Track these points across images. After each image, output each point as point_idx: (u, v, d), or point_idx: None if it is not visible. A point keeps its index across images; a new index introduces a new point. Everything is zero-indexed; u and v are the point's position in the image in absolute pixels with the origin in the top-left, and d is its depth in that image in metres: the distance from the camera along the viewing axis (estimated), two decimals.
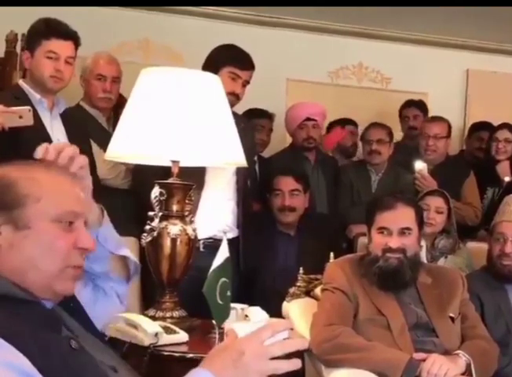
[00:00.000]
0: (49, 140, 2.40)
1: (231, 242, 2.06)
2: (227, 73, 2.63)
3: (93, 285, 1.46)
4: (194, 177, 2.17)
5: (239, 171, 2.68)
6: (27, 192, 1.12)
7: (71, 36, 2.42)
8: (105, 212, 1.44)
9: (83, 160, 1.34)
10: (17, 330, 1.01)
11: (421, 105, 4.22)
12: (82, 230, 1.17)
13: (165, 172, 2.18)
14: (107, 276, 1.46)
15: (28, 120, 2.20)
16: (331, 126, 4.20)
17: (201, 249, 2.41)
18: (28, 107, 2.22)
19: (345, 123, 4.21)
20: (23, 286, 1.09)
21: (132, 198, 2.80)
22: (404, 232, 2.17)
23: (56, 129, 2.47)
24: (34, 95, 2.42)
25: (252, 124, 3.73)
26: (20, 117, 2.19)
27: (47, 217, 1.12)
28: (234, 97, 2.60)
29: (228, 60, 2.67)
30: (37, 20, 2.47)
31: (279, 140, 4.23)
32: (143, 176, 2.54)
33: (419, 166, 3.39)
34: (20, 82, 2.51)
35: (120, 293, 1.51)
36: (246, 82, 2.72)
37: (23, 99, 2.35)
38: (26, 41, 2.49)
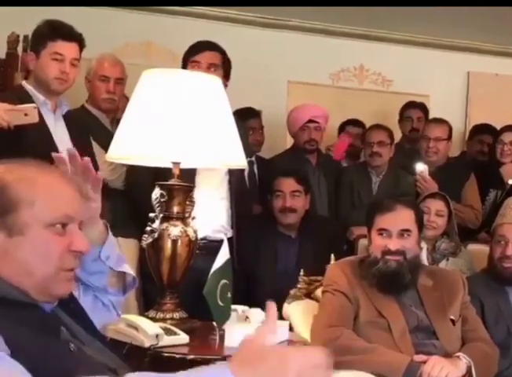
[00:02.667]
0: (51, 141, 2.40)
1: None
2: (189, 65, 2.70)
3: (93, 295, 1.45)
4: (184, 178, 2.16)
5: (233, 171, 2.68)
6: (20, 196, 1.10)
7: (76, 38, 2.43)
8: (109, 230, 1.43)
9: (98, 181, 1.34)
10: (15, 332, 1.00)
11: (423, 107, 4.22)
12: (76, 233, 1.15)
13: (158, 172, 2.19)
14: (104, 290, 1.46)
15: (34, 117, 2.19)
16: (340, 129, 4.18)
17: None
18: (33, 105, 2.22)
19: (351, 124, 4.19)
20: (21, 288, 1.09)
21: (131, 199, 2.81)
22: (403, 234, 2.17)
23: (60, 131, 2.46)
24: (39, 96, 2.42)
25: (244, 126, 3.72)
26: (26, 114, 2.18)
27: (40, 222, 1.10)
28: None
29: (187, 54, 2.76)
30: (42, 21, 2.46)
31: (280, 141, 4.24)
32: (136, 176, 2.55)
33: (420, 167, 3.39)
34: (24, 83, 2.50)
35: (116, 304, 1.51)
36: (211, 65, 2.71)
37: (27, 100, 2.35)
38: (31, 42, 2.48)
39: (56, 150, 2.36)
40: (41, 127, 2.34)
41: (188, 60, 2.73)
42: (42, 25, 2.46)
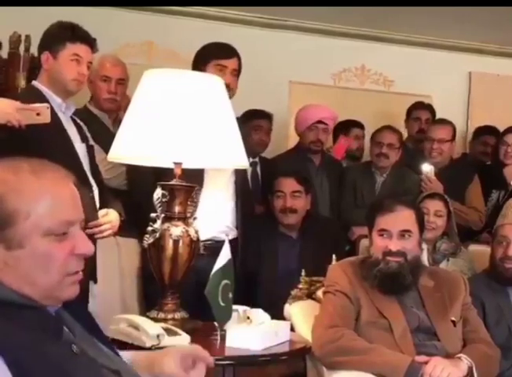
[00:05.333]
0: (69, 142, 2.39)
1: (230, 243, 2.06)
2: (213, 67, 2.65)
3: None
4: (193, 178, 2.16)
5: (238, 172, 2.68)
6: (15, 208, 1.05)
7: (92, 41, 2.43)
8: None
9: None
10: (16, 340, 0.99)
11: (431, 109, 4.20)
12: (79, 235, 1.11)
13: (159, 172, 2.19)
14: None
15: (46, 118, 2.16)
16: (336, 130, 4.11)
17: (201, 251, 2.38)
18: (46, 105, 2.19)
19: (351, 126, 4.17)
20: (23, 294, 1.07)
21: (132, 199, 2.81)
22: (403, 234, 2.16)
23: (71, 131, 2.46)
24: (55, 98, 2.39)
25: (247, 126, 3.73)
26: (38, 114, 2.14)
27: (39, 232, 1.06)
28: (227, 89, 2.59)
29: (210, 54, 2.71)
30: (56, 22, 2.43)
31: (281, 141, 4.23)
32: (139, 176, 2.55)
33: (426, 168, 3.38)
34: (36, 83, 2.45)
35: None
36: (234, 71, 2.70)
37: (40, 101, 2.30)
38: (45, 42, 2.44)
39: (73, 150, 2.37)
40: (58, 128, 2.34)
41: (211, 60, 2.67)
42: (57, 26, 2.43)
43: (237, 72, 2.73)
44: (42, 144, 2.15)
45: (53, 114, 2.29)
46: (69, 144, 2.38)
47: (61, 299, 1.12)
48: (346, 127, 4.15)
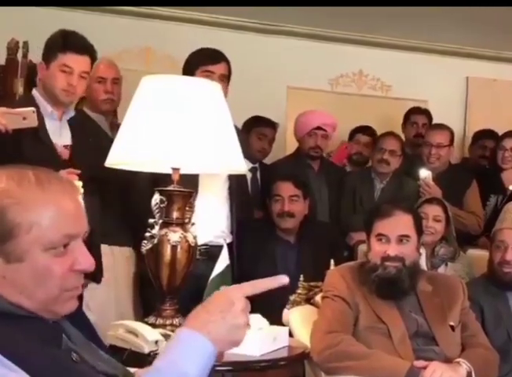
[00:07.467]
0: (54, 151, 2.39)
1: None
2: (200, 74, 2.64)
3: None
4: (188, 184, 2.16)
5: (232, 177, 2.67)
6: (17, 221, 1.03)
7: (88, 51, 2.41)
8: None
9: None
10: (18, 349, 0.99)
11: (428, 114, 4.21)
12: (80, 250, 1.08)
13: (156, 178, 2.19)
14: None
15: (32, 122, 2.16)
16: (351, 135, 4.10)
17: (197, 256, 2.37)
18: (32, 109, 2.19)
19: (355, 132, 4.17)
20: (21, 306, 1.05)
21: (126, 206, 2.80)
22: (402, 239, 2.16)
23: (64, 137, 2.46)
24: (46, 106, 2.40)
25: (251, 131, 3.74)
26: (24, 118, 2.15)
27: (39, 247, 1.04)
28: None
29: (196, 61, 2.70)
30: (55, 31, 2.44)
31: (279, 146, 4.23)
32: (135, 182, 2.55)
33: (424, 173, 3.39)
34: (34, 92, 2.48)
35: None
36: (222, 76, 2.68)
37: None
38: (43, 51, 2.46)
39: (57, 157, 2.36)
40: (42, 136, 2.34)
41: (198, 67, 2.66)
42: (54, 36, 2.43)
43: (225, 77, 2.70)
44: (21, 148, 2.15)
45: (40, 120, 2.29)
46: (51, 150, 2.37)
47: (59, 314, 1.10)
48: (352, 134, 4.16)
